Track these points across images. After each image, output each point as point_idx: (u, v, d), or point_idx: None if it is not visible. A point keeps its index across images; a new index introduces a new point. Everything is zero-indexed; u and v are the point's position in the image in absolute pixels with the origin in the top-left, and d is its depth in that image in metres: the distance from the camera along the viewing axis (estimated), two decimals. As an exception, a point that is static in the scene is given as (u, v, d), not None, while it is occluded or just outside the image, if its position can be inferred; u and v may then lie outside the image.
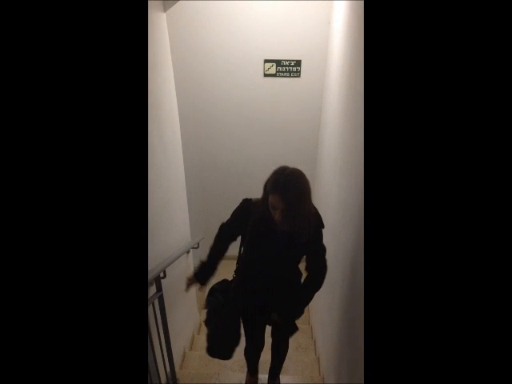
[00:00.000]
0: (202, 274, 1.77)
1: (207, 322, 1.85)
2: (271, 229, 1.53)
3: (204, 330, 3.22)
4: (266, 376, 2.32)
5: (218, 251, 1.78)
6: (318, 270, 1.68)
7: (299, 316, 1.80)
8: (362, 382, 1.27)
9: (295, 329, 1.88)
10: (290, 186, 1.43)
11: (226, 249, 1.78)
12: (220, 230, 1.78)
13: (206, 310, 1.87)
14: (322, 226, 1.63)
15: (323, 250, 1.66)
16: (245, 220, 1.64)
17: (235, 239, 1.77)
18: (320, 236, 1.63)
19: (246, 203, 1.69)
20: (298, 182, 1.47)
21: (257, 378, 2.31)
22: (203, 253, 3.79)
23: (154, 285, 1.84)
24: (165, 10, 1.90)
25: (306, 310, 3.68)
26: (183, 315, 2.69)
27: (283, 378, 2.41)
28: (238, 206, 1.72)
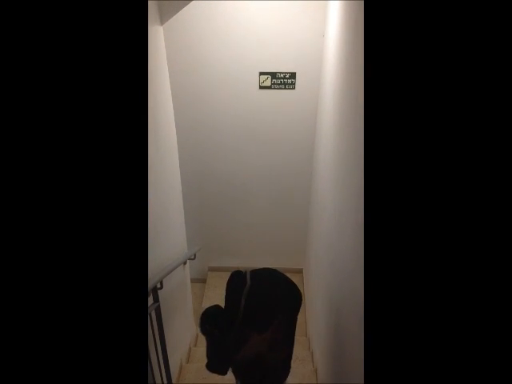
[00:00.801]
0: None
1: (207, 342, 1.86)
2: None
3: (201, 341, 3.20)
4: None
5: None
6: None
7: None
8: None
9: None
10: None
11: None
12: None
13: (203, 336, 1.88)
14: None
15: None
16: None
17: None
18: None
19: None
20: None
21: None
22: (200, 264, 3.80)
23: (151, 295, 1.84)
24: (162, 23, 1.93)
25: (303, 321, 3.67)
26: (179, 327, 2.68)
27: (281, 388, 2.39)
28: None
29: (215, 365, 1.80)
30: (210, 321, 1.79)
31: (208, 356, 1.80)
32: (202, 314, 1.80)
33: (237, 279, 1.66)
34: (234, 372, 1.70)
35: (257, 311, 1.51)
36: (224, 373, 1.83)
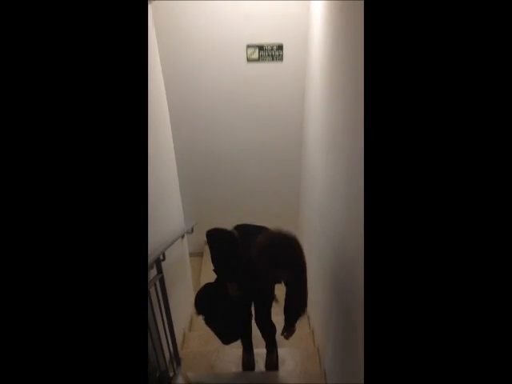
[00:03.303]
0: None
1: (209, 324, 2.02)
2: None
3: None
4: (265, 350, 2.44)
5: None
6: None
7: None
8: (358, 350, 1.36)
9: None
10: (293, 260, 1.52)
11: None
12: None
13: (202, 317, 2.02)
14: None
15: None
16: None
17: None
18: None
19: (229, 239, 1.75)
20: (300, 255, 1.55)
21: (253, 355, 2.44)
22: (196, 238, 3.87)
23: (155, 267, 1.92)
24: (149, 0, 1.94)
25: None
26: (181, 297, 2.78)
27: (280, 350, 2.52)
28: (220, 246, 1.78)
29: (222, 269, 1.87)
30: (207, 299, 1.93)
31: (214, 262, 1.86)
32: (197, 296, 1.94)
33: (225, 239, 1.75)
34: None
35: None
36: (231, 279, 1.87)
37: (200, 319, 3.14)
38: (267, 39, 3.21)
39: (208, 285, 2.01)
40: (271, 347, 2.40)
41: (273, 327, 2.29)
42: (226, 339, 2.04)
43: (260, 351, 2.46)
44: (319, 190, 2.49)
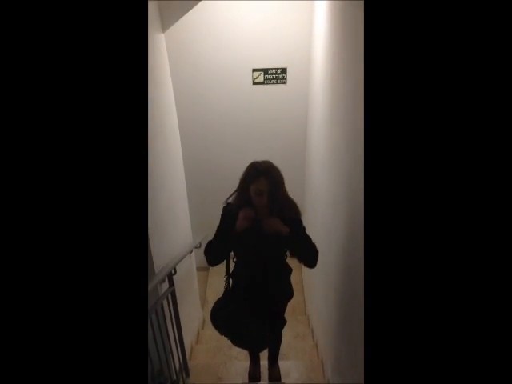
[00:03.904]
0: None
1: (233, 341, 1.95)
2: (255, 225, 1.67)
3: (207, 325, 3.39)
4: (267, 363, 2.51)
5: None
6: (310, 251, 1.79)
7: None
8: (361, 362, 1.38)
9: (284, 321, 2.09)
10: (270, 169, 1.65)
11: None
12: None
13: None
14: (300, 214, 1.80)
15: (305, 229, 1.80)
16: (231, 225, 1.76)
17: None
18: (301, 223, 1.80)
19: (227, 210, 1.83)
20: (275, 167, 1.69)
21: (259, 366, 2.50)
22: (202, 253, 3.92)
23: (167, 281, 2.01)
24: (163, 30, 2.08)
25: (301, 300, 3.81)
26: (189, 311, 2.85)
27: (285, 363, 2.59)
28: (221, 218, 1.86)
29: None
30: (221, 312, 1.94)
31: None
32: (212, 313, 1.95)
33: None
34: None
35: None
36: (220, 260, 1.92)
37: (206, 333, 3.23)
38: (272, 63, 3.38)
39: (220, 300, 2.01)
40: (272, 361, 2.45)
41: (280, 337, 2.31)
42: (258, 349, 2.13)
43: (266, 363, 2.53)
44: (322, 206, 2.58)
